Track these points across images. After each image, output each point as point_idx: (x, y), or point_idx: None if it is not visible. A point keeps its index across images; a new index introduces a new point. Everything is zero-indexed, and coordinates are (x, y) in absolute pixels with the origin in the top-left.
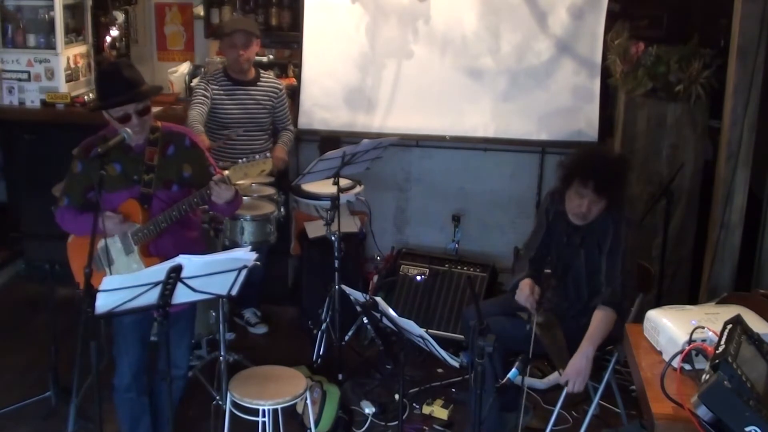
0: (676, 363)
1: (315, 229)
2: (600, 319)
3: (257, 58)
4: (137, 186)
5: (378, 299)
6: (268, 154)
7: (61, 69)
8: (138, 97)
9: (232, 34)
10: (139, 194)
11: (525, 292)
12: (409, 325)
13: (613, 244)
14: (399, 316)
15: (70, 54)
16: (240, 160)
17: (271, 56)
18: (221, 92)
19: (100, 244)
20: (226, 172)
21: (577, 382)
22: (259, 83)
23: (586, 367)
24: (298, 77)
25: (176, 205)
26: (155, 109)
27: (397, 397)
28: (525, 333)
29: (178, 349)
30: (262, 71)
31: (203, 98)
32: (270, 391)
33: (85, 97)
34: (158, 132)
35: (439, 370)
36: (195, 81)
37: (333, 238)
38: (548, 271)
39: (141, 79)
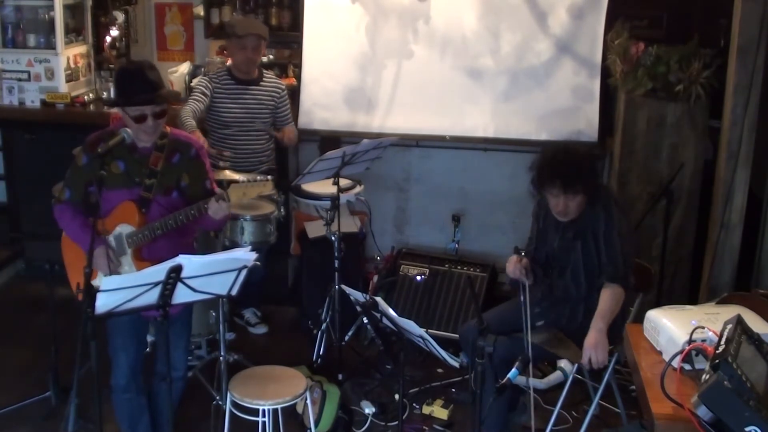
0: (676, 363)
1: (315, 229)
2: (608, 296)
3: None
4: (137, 188)
5: (378, 299)
6: (269, 177)
7: (61, 69)
8: (158, 99)
9: (245, 38)
10: (139, 197)
11: (512, 261)
12: (409, 325)
13: (608, 227)
14: (399, 316)
15: (70, 54)
16: (240, 180)
17: (271, 56)
18: (224, 91)
19: (111, 242)
20: (234, 176)
21: (598, 354)
22: (262, 83)
23: (601, 339)
24: (298, 77)
25: (173, 215)
26: None
27: (397, 397)
28: (525, 351)
29: (175, 351)
30: (264, 71)
31: (201, 96)
32: (270, 391)
33: (85, 97)
34: (166, 138)
35: (439, 370)
36: (196, 80)
37: (333, 238)
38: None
39: (162, 82)
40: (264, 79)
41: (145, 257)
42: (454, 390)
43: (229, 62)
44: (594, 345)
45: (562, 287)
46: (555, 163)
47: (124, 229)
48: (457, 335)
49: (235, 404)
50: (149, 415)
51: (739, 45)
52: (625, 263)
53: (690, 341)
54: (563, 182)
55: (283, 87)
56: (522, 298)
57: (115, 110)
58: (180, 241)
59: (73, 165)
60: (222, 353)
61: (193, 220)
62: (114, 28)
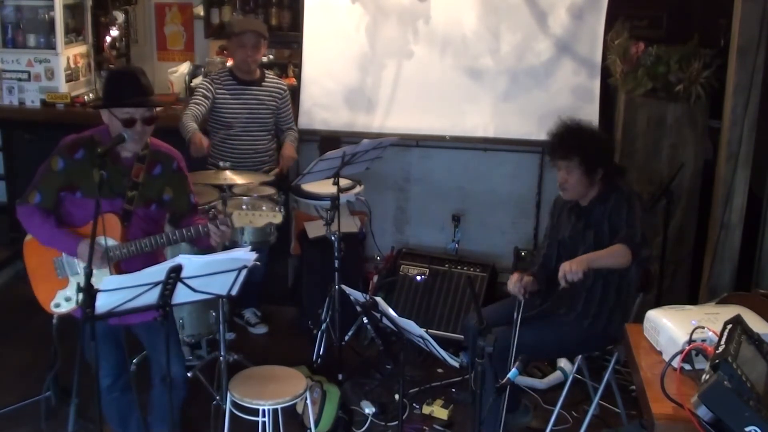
0: (676, 363)
1: (315, 229)
2: (610, 247)
3: None
4: (118, 199)
5: (378, 299)
6: (278, 209)
7: (61, 69)
8: (149, 103)
9: (242, 35)
10: (121, 209)
11: (513, 278)
12: (409, 325)
13: (629, 215)
14: (399, 316)
15: (70, 54)
16: (244, 207)
17: (271, 56)
18: (225, 92)
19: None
20: (235, 179)
21: (573, 266)
22: (264, 84)
23: (577, 261)
24: (298, 77)
25: (165, 233)
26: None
27: (397, 397)
28: (526, 342)
29: (162, 356)
30: (267, 71)
31: (203, 99)
32: (270, 391)
33: (85, 97)
34: (147, 149)
35: (439, 370)
36: (196, 80)
37: (333, 238)
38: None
39: (152, 90)
40: (266, 79)
41: (124, 270)
42: (454, 390)
43: (229, 62)
44: (569, 263)
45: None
46: (560, 130)
47: (102, 264)
48: (456, 335)
49: (235, 404)
50: (138, 410)
51: (739, 45)
52: (643, 236)
53: (690, 341)
54: (560, 148)
55: (285, 88)
56: (516, 314)
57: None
58: (154, 253)
59: (47, 169)
60: (222, 353)
61: (188, 240)
62: (114, 28)
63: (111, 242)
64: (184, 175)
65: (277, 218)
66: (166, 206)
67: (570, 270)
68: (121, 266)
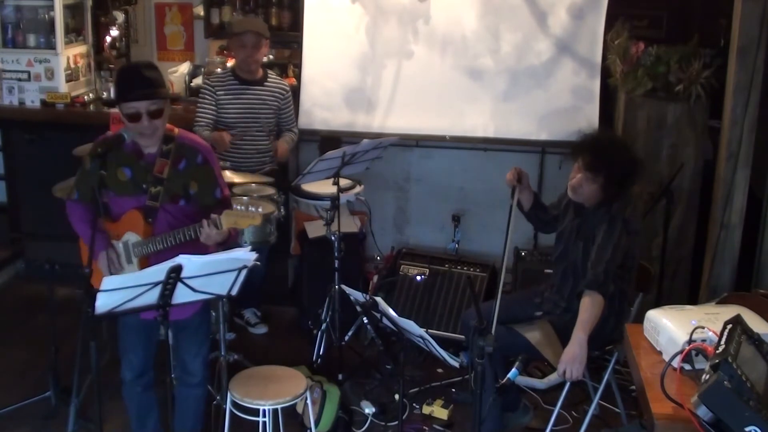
0: (676, 363)
1: (315, 229)
2: (587, 305)
3: None
4: (144, 196)
5: (378, 299)
6: (260, 209)
7: (61, 69)
8: (150, 95)
9: (243, 35)
10: (145, 206)
11: (510, 170)
12: (409, 325)
13: (605, 237)
14: (399, 316)
15: (70, 54)
16: (235, 207)
17: (271, 56)
18: (227, 92)
19: (119, 248)
20: (234, 178)
21: (574, 369)
22: (266, 83)
23: (580, 353)
24: (298, 77)
25: (173, 232)
26: None
27: (397, 397)
28: (524, 342)
29: (187, 355)
30: (269, 71)
31: (208, 105)
32: (270, 391)
33: (85, 97)
34: (172, 143)
35: (439, 370)
36: (196, 80)
37: (333, 238)
38: (549, 271)
39: (160, 81)
40: (268, 79)
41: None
42: (454, 390)
43: (230, 62)
44: (572, 359)
45: (560, 275)
46: (600, 141)
47: (130, 237)
48: (456, 335)
49: (235, 404)
50: (158, 410)
51: (739, 45)
52: (606, 272)
53: (690, 341)
54: (592, 160)
55: (288, 88)
56: (511, 201)
57: (114, 110)
58: (193, 251)
59: (81, 168)
60: (222, 353)
61: (190, 239)
62: (114, 28)
63: (135, 238)
64: (211, 168)
65: (257, 219)
66: (193, 200)
67: (572, 376)
68: (150, 261)
